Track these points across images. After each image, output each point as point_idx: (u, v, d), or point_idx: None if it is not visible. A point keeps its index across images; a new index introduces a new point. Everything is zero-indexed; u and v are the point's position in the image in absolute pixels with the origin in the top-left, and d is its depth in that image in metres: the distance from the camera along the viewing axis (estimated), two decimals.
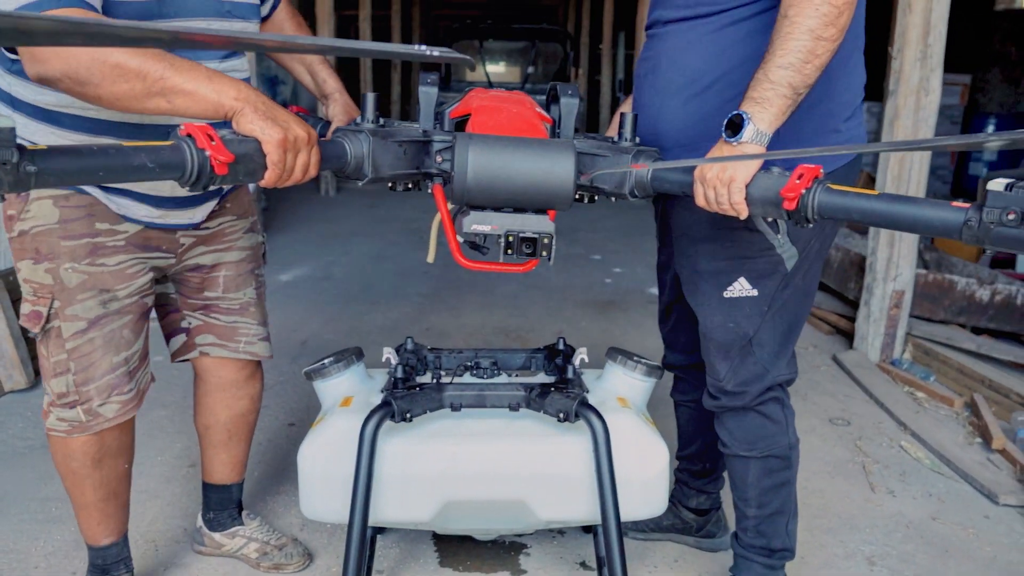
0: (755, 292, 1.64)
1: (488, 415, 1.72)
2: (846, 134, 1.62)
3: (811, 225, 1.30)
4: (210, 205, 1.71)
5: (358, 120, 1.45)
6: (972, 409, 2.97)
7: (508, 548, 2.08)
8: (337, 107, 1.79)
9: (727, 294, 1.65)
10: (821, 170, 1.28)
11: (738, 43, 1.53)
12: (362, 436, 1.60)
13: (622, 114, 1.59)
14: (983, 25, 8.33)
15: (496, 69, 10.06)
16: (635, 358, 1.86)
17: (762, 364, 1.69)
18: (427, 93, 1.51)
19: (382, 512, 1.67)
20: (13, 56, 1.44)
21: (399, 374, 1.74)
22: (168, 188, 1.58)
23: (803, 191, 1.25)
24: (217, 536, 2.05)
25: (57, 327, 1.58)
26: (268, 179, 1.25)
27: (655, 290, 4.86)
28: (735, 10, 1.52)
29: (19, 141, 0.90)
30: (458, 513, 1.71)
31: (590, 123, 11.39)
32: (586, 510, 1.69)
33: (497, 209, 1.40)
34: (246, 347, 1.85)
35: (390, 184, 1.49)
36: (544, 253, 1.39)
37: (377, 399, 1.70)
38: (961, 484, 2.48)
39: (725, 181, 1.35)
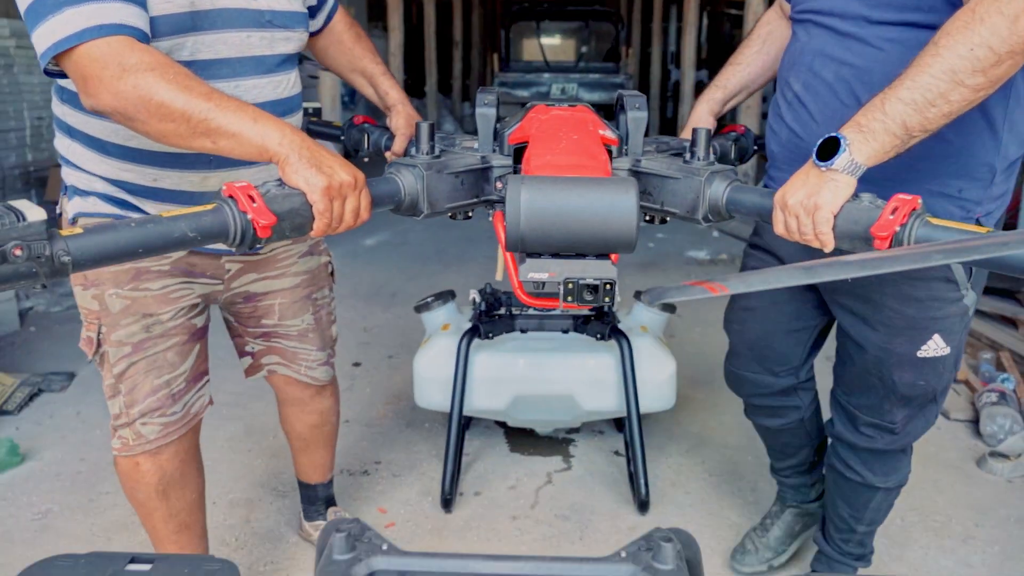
0: (947, 350, 1.55)
1: (546, 336, 2.40)
2: (1002, 180, 1.45)
3: None
4: None
5: (412, 152, 1.39)
6: None
7: (560, 441, 2.76)
8: (400, 118, 1.76)
9: (921, 354, 1.54)
10: (920, 201, 1.09)
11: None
12: (459, 349, 2.28)
13: (695, 130, 1.38)
14: None
15: (552, 45, 10.58)
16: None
17: (935, 413, 1.68)
18: (484, 115, 1.44)
19: (472, 403, 2.36)
20: (64, 84, 1.44)
21: (483, 307, 2.42)
22: None
23: (897, 228, 1.09)
24: (307, 525, 2.22)
25: (105, 352, 1.57)
26: (317, 229, 1.19)
27: (693, 253, 5.45)
28: None
29: (61, 213, 1.01)
30: (524, 405, 2.40)
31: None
32: (616, 403, 2.35)
33: (555, 255, 1.26)
34: (307, 371, 1.85)
35: (450, 215, 1.44)
36: (607, 299, 1.27)
37: (467, 325, 2.39)
38: None
39: (810, 209, 1.18)
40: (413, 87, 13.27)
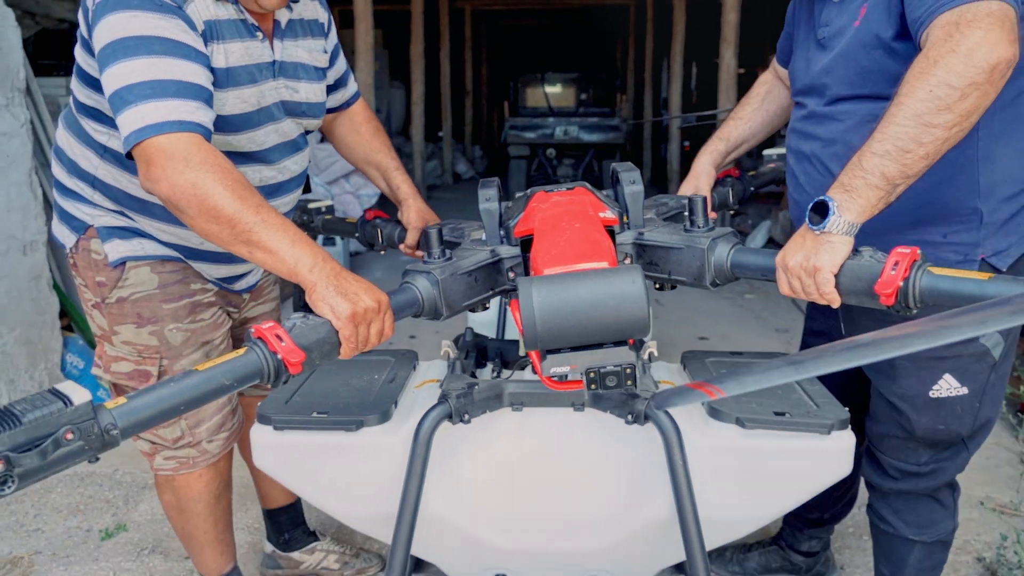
0: (965, 390, 1.49)
1: None
2: (1005, 217, 1.41)
3: (915, 312, 1.08)
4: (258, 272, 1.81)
5: (425, 257, 1.42)
6: None
7: None
8: (411, 212, 1.79)
9: (934, 394, 1.50)
10: (919, 252, 1.10)
11: None
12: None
13: (691, 199, 1.39)
14: None
15: (555, 92, 11.70)
16: None
17: (966, 457, 1.60)
18: (488, 211, 1.46)
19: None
20: (102, 138, 1.51)
21: None
22: (225, 271, 1.67)
23: (900, 283, 1.11)
24: (295, 555, 2.13)
25: None
26: (344, 353, 1.22)
27: None
28: None
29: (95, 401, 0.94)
30: None
31: (634, 136, 12.90)
32: None
33: (574, 348, 1.26)
34: None
35: (471, 309, 1.47)
36: (629, 383, 1.29)
37: None
38: None
39: (810, 271, 1.20)
40: (429, 132, 14.41)
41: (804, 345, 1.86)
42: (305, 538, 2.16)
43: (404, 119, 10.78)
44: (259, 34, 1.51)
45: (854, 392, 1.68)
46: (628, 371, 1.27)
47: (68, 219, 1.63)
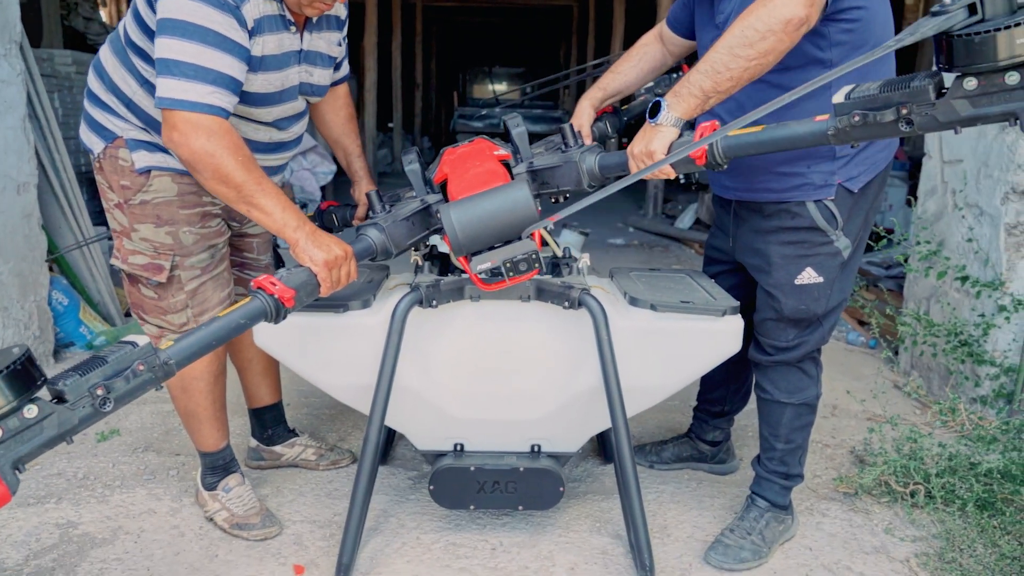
0: (821, 279, 1.82)
1: None
2: (852, 153, 1.73)
3: (725, 167, 1.54)
4: None
5: (371, 214, 1.82)
6: None
7: None
8: (362, 191, 2.10)
9: (798, 281, 1.82)
10: (717, 123, 1.51)
11: (770, 89, 1.65)
12: None
13: (560, 127, 1.85)
14: None
15: (501, 87, 12.04)
16: (573, 225, 3.81)
17: (822, 333, 1.92)
18: (412, 171, 1.81)
19: None
20: (145, 73, 1.69)
21: None
22: None
23: (706, 147, 1.48)
24: (277, 448, 2.35)
25: (178, 275, 1.83)
26: (323, 291, 1.55)
27: (612, 240, 6.76)
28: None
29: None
30: None
31: None
32: None
33: (491, 248, 1.57)
34: None
35: (414, 248, 1.82)
36: (536, 266, 1.60)
37: None
38: None
39: (648, 154, 1.57)
40: (380, 123, 14.54)
41: (705, 257, 2.24)
42: (286, 434, 2.37)
43: (356, 108, 10.92)
44: (292, 27, 1.73)
45: (742, 297, 2.03)
46: (534, 256, 1.59)
47: (98, 128, 1.81)
